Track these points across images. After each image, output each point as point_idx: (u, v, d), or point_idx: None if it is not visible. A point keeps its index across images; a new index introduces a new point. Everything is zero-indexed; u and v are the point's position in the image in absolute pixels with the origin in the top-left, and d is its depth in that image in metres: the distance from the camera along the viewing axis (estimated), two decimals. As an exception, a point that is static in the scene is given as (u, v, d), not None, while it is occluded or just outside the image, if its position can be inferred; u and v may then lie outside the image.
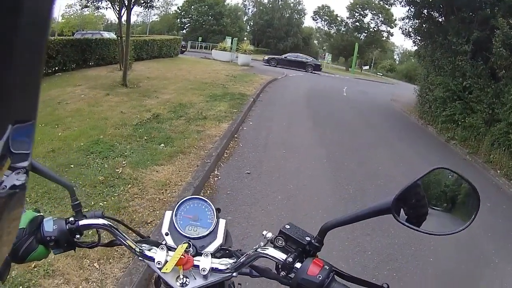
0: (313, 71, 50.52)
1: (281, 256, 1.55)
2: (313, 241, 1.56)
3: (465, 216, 1.54)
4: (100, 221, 1.69)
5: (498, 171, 15.32)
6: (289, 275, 1.52)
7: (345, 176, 10.77)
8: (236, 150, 10.98)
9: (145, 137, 10.15)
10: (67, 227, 1.63)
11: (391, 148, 15.97)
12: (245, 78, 27.27)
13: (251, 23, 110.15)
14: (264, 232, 1.65)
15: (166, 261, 1.60)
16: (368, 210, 1.48)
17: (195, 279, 1.63)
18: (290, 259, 1.51)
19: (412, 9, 27.15)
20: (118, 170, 7.77)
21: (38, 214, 1.65)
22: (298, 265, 1.50)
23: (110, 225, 1.70)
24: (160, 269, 1.60)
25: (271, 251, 1.58)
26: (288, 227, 1.62)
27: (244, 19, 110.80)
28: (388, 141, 17.33)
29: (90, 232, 1.68)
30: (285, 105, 20.50)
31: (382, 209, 1.44)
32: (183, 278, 1.62)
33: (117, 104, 13.63)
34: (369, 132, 18.44)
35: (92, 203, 6.34)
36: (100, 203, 6.31)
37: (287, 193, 8.61)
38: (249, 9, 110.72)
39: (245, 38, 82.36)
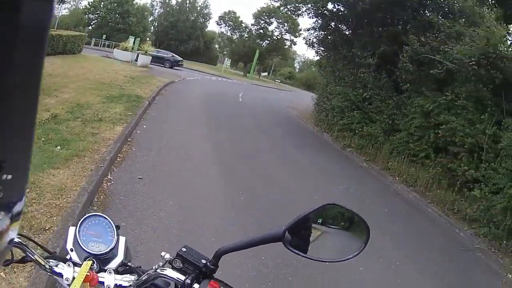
0: (171, 67, 51.61)
1: (179, 277, 1.66)
2: (208, 263, 1.67)
3: (354, 246, 1.73)
4: None
5: (397, 178, 16.05)
6: None
7: (237, 182, 11.11)
8: (129, 154, 10.97)
9: (43, 139, 9.92)
10: None
11: (285, 154, 16.38)
12: (143, 80, 27.29)
13: (156, 24, 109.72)
14: (163, 253, 1.73)
15: (73, 277, 1.68)
16: (260, 238, 1.65)
17: None
18: (189, 281, 1.62)
19: (319, 21, 27.78)
20: None
21: None
22: (196, 286, 1.62)
23: (21, 242, 1.72)
24: (68, 285, 1.67)
25: (170, 272, 1.68)
26: (185, 249, 1.72)
27: (150, 19, 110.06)
28: (281, 147, 17.77)
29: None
30: (179, 108, 20.80)
31: (273, 238, 1.61)
32: None
33: None
34: (263, 138, 18.97)
35: None
36: None
37: (179, 199, 8.73)
38: (156, 9, 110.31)
39: (148, 39, 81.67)
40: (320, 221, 1.73)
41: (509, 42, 15.64)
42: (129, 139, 12.36)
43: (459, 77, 15.79)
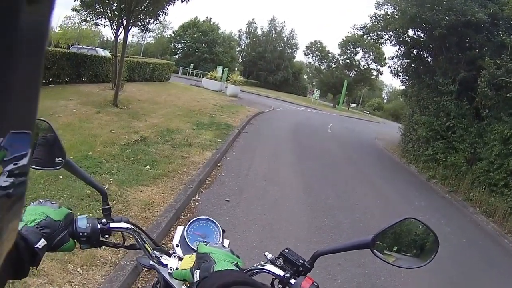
0: None
1: (280, 272, 1.88)
2: (305, 263, 1.90)
3: (426, 258, 1.95)
4: (126, 225, 1.96)
5: (477, 209, 15.72)
6: None
7: (322, 209, 11.04)
8: (218, 178, 11.19)
9: (132, 158, 10.37)
10: (99, 227, 1.87)
11: (371, 185, 16.24)
12: (232, 109, 27.65)
13: (243, 54, 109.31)
14: (266, 253, 1.97)
15: (177, 268, 1.85)
16: (352, 243, 1.89)
17: None
18: (288, 275, 1.85)
19: (402, 49, 27.64)
20: (104, 186, 7.74)
21: (71, 211, 1.87)
22: (292, 281, 1.83)
23: (134, 229, 1.98)
24: (170, 274, 1.86)
25: (272, 268, 1.90)
26: (287, 250, 1.95)
27: (237, 49, 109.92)
28: (368, 178, 17.62)
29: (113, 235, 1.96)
30: (269, 138, 20.85)
31: (363, 244, 1.85)
32: (189, 286, 1.84)
33: (107, 123, 13.85)
34: (350, 168, 18.77)
35: (78, 213, 6.30)
36: (86, 215, 6.29)
37: (264, 222, 8.88)
38: (242, 40, 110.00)
39: (236, 69, 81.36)
40: (395, 248, 1.97)
41: None
42: (218, 164, 12.64)
43: (536, 99, 15.29)
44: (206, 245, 1.79)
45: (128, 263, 5.45)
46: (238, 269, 1.67)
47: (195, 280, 1.60)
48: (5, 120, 0.58)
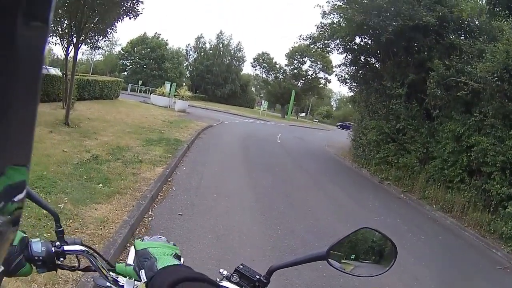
0: None
1: None
2: (262, 278, 1.90)
3: (385, 264, 2.00)
4: (80, 248, 1.91)
5: (434, 206, 16.09)
6: None
7: (275, 217, 11.09)
8: (170, 193, 11.19)
9: (85, 177, 10.24)
10: (53, 250, 1.82)
11: (323, 191, 16.38)
12: (181, 124, 27.77)
13: (191, 69, 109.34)
14: (221, 270, 1.94)
15: None
16: (307, 256, 1.89)
17: None
18: None
19: (349, 56, 27.87)
20: (60, 205, 7.87)
21: (25, 235, 1.81)
22: None
23: (88, 251, 1.92)
24: None
25: (229, 285, 1.86)
26: (242, 266, 1.93)
27: (185, 64, 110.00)
28: (320, 185, 17.75)
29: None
30: (218, 151, 20.90)
31: (318, 256, 1.86)
32: None
33: (60, 142, 13.66)
34: (301, 177, 18.90)
35: (37, 233, 6.33)
36: (45, 235, 6.34)
37: (217, 233, 8.88)
38: (190, 55, 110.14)
39: (184, 84, 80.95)
40: (353, 257, 2.00)
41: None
42: (169, 179, 12.60)
43: (484, 96, 15.74)
44: (141, 240, 1.83)
45: (88, 280, 5.40)
46: (179, 261, 1.68)
47: (142, 281, 1.60)
48: (5, 151, 0.58)
